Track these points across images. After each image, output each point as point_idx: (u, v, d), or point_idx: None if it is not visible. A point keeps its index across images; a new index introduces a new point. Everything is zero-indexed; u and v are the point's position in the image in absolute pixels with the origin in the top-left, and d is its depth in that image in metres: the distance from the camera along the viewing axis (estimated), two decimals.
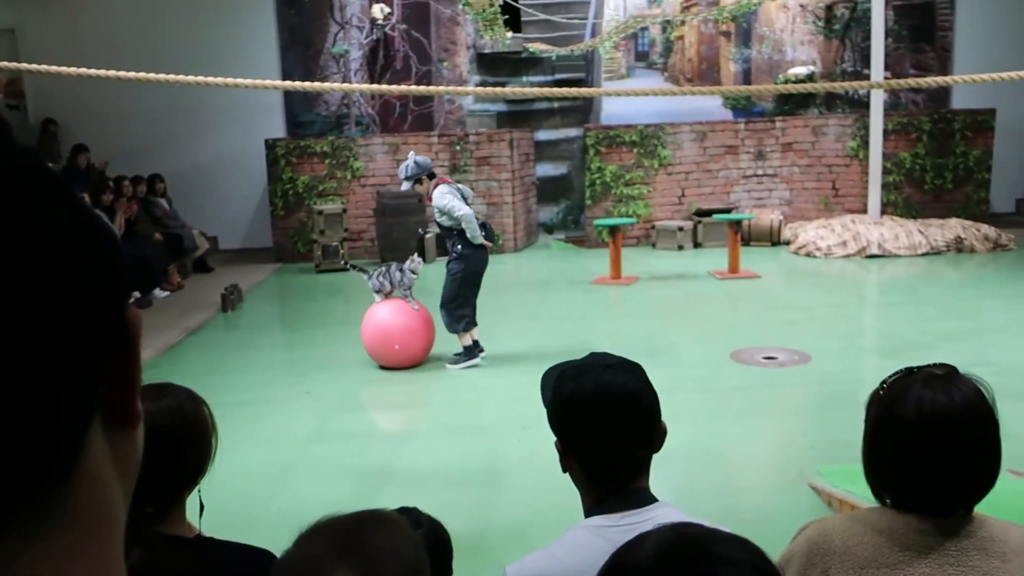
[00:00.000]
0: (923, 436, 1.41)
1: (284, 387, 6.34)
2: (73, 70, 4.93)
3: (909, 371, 1.50)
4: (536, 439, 4.20)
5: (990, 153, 11.82)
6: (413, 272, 6.44)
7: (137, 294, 8.84)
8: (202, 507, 1.75)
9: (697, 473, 4.44)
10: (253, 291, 9.80)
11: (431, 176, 6.41)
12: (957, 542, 1.39)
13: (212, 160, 12.30)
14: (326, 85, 4.13)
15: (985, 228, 10.75)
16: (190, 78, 4.84)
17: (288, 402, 5.89)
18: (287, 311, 9.53)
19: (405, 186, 6.50)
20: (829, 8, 12.56)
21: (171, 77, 4.88)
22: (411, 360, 6.44)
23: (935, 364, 1.50)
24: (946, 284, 9.20)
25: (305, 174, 11.68)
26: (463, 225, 6.25)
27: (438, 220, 6.46)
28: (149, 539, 1.47)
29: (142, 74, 4.84)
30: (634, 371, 1.58)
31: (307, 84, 4.51)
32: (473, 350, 6.57)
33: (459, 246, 6.36)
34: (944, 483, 1.41)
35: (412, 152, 6.61)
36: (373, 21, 12.33)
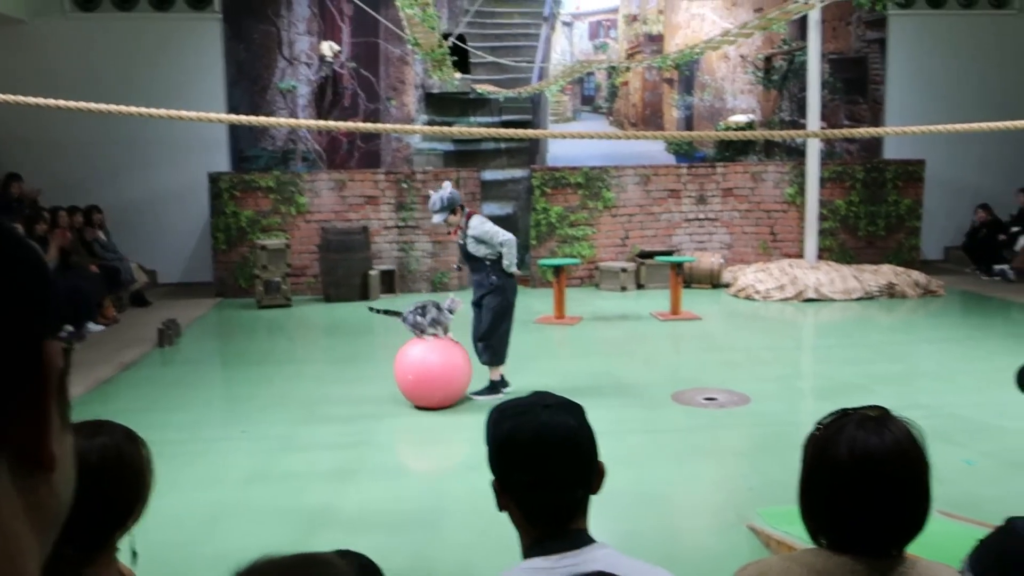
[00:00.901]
0: (855, 477, 1.44)
1: (221, 426, 6.20)
2: (10, 98, 4.82)
3: (844, 413, 1.53)
4: (479, 480, 4.16)
5: (920, 202, 12.25)
6: (451, 311, 6.35)
7: (69, 327, 8.59)
8: (135, 554, 1.69)
9: (637, 514, 4.45)
10: (192, 326, 9.60)
11: (462, 208, 6.47)
12: None
13: (153, 193, 12.10)
14: (272, 120, 4.11)
15: (916, 274, 11.09)
16: (132, 109, 4.77)
17: (224, 441, 5.76)
18: (227, 347, 9.35)
19: (438, 218, 6.48)
20: (768, 60, 12.97)
21: (112, 107, 4.80)
22: (451, 399, 6.33)
23: (869, 406, 1.53)
24: (879, 328, 9.45)
25: (249, 208, 11.55)
26: (504, 251, 6.31)
27: (472, 251, 6.43)
28: None
29: (82, 104, 4.76)
30: (573, 411, 1.58)
31: (253, 118, 4.49)
32: (498, 386, 6.57)
33: (493, 277, 6.39)
34: (876, 524, 1.43)
35: (447, 182, 6.67)
36: (322, 58, 12.34)
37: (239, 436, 5.83)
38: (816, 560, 1.46)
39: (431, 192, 6.61)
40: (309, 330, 9.98)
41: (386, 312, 6.77)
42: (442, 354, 6.22)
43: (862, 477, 1.43)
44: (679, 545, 4.19)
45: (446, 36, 9.76)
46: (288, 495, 4.79)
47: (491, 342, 6.48)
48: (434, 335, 6.28)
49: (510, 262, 6.36)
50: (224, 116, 4.39)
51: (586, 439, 1.56)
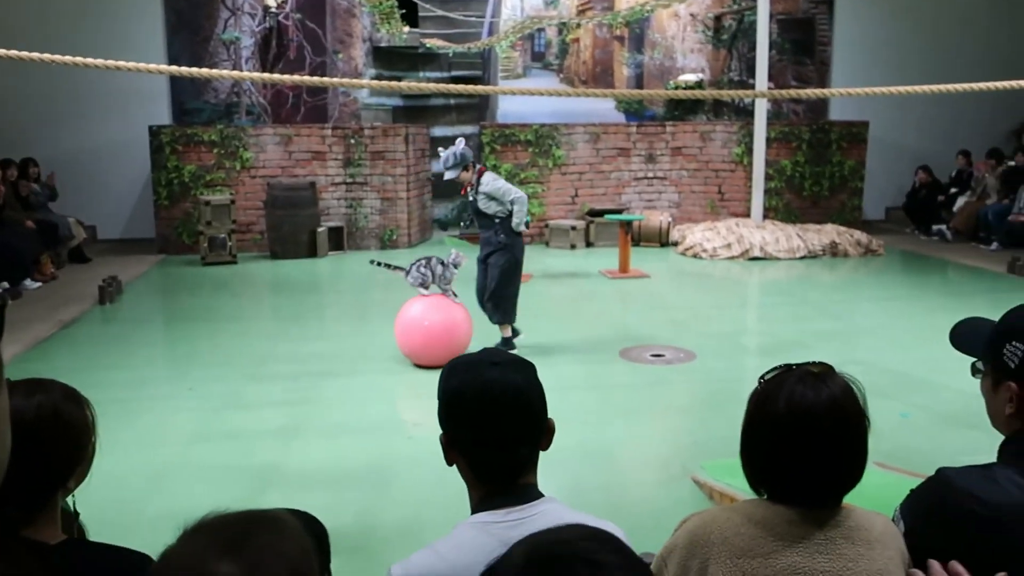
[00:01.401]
0: (791, 431, 1.47)
1: (165, 384, 6.11)
2: None
3: (788, 368, 1.56)
4: (427, 436, 4.17)
5: (863, 163, 12.47)
6: (456, 266, 6.27)
7: (4, 284, 8.35)
8: (76, 514, 1.66)
9: (585, 469, 4.51)
10: (134, 283, 9.40)
11: (473, 164, 6.43)
12: (826, 531, 1.46)
13: (91, 146, 11.74)
14: (215, 72, 3.97)
15: (858, 234, 11.33)
16: (66, 58, 4.59)
17: (169, 400, 5.68)
18: (170, 305, 9.18)
19: (450, 174, 6.40)
20: (718, 19, 12.98)
21: (46, 56, 4.61)
22: (451, 356, 6.19)
23: (813, 363, 1.56)
24: (822, 286, 9.65)
25: (192, 163, 11.28)
26: (515, 208, 6.27)
27: (482, 208, 6.37)
28: (8, 546, 1.38)
29: (13, 52, 4.56)
30: (522, 369, 1.58)
31: (194, 70, 4.35)
32: (510, 342, 6.55)
33: (502, 235, 6.34)
34: (813, 476, 1.47)
35: (461, 139, 6.61)
36: (266, 9, 12.01)
37: (184, 394, 5.75)
38: (756, 510, 1.50)
39: (441, 148, 6.56)
40: (255, 287, 9.84)
41: (387, 266, 6.71)
42: (443, 312, 6.13)
43: (798, 431, 1.46)
44: (626, 498, 4.27)
45: None
46: (234, 453, 4.76)
47: (500, 301, 6.45)
48: (441, 291, 6.22)
49: (520, 220, 6.33)
50: (164, 67, 4.26)
51: (534, 397, 1.57)
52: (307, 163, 11.47)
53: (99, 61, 4.25)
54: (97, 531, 1.88)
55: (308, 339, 7.26)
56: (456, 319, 6.18)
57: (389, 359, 6.56)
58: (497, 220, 6.35)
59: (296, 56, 12.18)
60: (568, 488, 4.24)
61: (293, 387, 5.94)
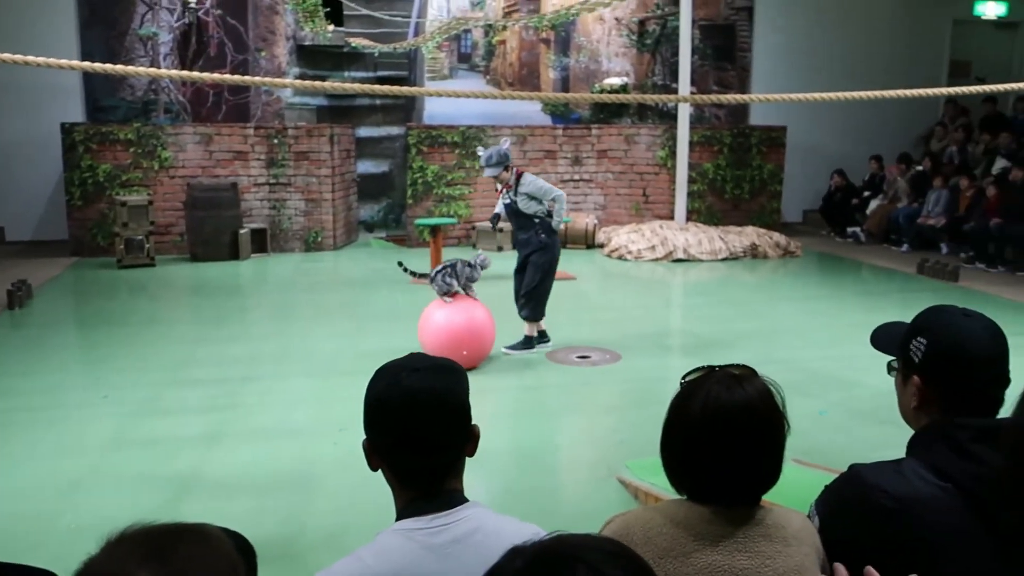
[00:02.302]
0: (706, 431, 1.50)
1: (79, 391, 5.89)
2: None
3: (710, 369, 1.58)
4: (353, 441, 4.12)
5: (782, 167, 12.81)
6: (483, 267, 6.26)
7: None
8: None
9: (513, 472, 4.52)
10: (45, 287, 9.05)
11: (512, 165, 6.46)
12: (746, 530, 1.48)
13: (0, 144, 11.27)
14: (131, 69, 3.83)
15: (777, 236, 11.64)
16: None
17: (83, 408, 5.48)
18: (84, 309, 8.86)
19: (490, 172, 6.43)
20: (642, 24, 13.18)
21: None
22: (477, 361, 6.22)
23: (735, 364, 1.59)
24: (743, 287, 9.87)
25: (107, 162, 10.91)
26: (556, 207, 6.37)
27: (522, 208, 6.41)
28: None
29: None
30: (445, 375, 1.57)
31: (109, 67, 4.20)
32: (532, 341, 6.64)
33: (542, 235, 6.43)
34: (731, 476, 1.50)
35: (506, 139, 6.72)
36: (185, 4, 11.71)
37: (99, 401, 5.56)
38: (678, 511, 1.52)
39: (480, 147, 6.61)
40: (175, 290, 9.58)
41: (413, 273, 6.74)
42: (467, 313, 6.10)
43: (714, 432, 1.49)
44: (553, 500, 4.29)
45: None
46: (153, 461, 4.62)
47: (535, 298, 6.52)
48: (457, 295, 6.18)
49: (560, 219, 6.47)
50: (77, 63, 4.10)
51: (457, 403, 1.55)
52: (229, 163, 11.23)
53: (7, 56, 4.08)
54: (10, 546, 1.80)
55: (230, 343, 7.10)
56: (479, 319, 6.15)
57: (314, 362, 6.47)
58: (537, 220, 6.44)
59: (217, 53, 11.91)
60: (497, 492, 4.25)
61: (214, 392, 5.80)
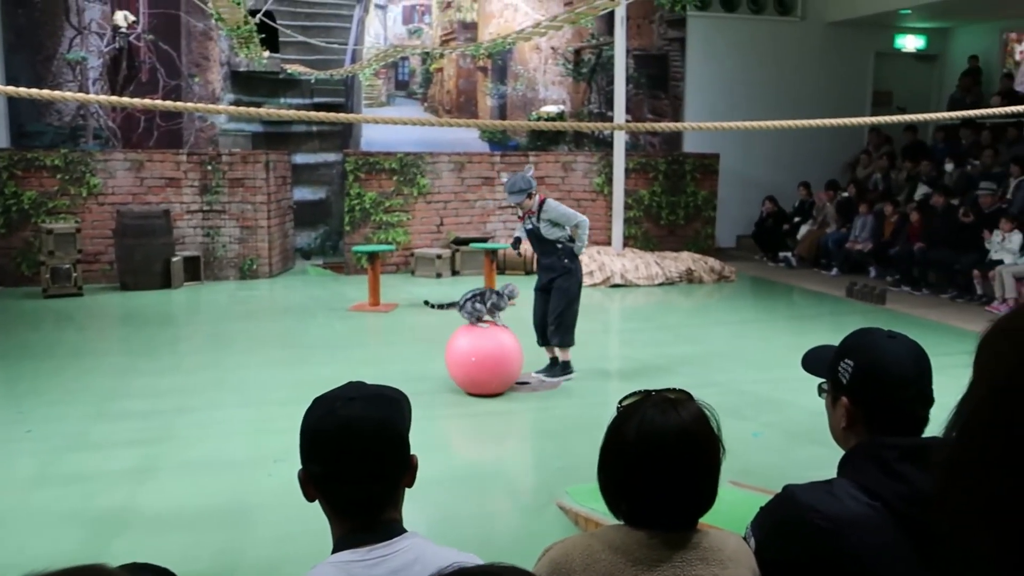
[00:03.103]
0: (641, 457, 1.51)
1: (0, 427, 5.66)
2: None
3: (647, 394, 1.60)
4: (289, 472, 4.04)
5: (715, 193, 13.09)
6: (511, 297, 6.34)
7: None
8: None
9: (454, 500, 4.49)
10: None
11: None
12: (683, 554, 1.50)
13: None
14: (58, 94, 3.73)
15: (712, 261, 11.86)
16: None
17: (5, 444, 5.26)
18: (7, 341, 8.54)
19: (515, 198, 6.51)
20: (577, 53, 13.38)
21: None
22: (507, 384, 6.25)
23: (671, 389, 1.60)
24: (679, 312, 10.01)
25: (32, 189, 10.61)
26: (579, 232, 6.47)
27: (545, 235, 6.48)
28: None
29: None
30: (382, 404, 1.55)
31: (35, 91, 4.10)
32: (569, 365, 6.65)
33: (565, 260, 6.48)
34: (666, 500, 1.51)
35: (530, 166, 6.73)
36: (116, 29, 11.50)
37: (22, 436, 5.35)
38: (616, 536, 1.52)
39: (504, 174, 6.57)
40: (104, 320, 9.31)
41: (440, 307, 6.72)
42: (494, 340, 6.12)
43: (648, 456, 1.50)
44: (493, 528, 4.26)
45: (253, 12, 9.36)
46: (79, 498, 4.46)
47: (565, 324, 6.52)
48: (490, 322, 6.21)
49: (583, 244, 6.55)
50: (1, 88, 3.98)
51: (392, 433, 1.53)
52: (160, 190, 11.01)
53: None
54: None
55: (162, 374, 6.92)
56: (506, 345, 6.17)
57: (249, 392, 6.34)
58: (559, 245, 6.49)
59: (149, 79, 11.71)
60: (437, 520, 4.21)
61: (145, 425, 5.64)
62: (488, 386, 6.18)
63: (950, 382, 1.35)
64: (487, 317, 6.26)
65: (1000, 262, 9.57)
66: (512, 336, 6.28)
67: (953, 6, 12.59)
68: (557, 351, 6.71)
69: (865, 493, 1.55)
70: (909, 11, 13.07)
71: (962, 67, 13.97)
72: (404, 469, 1.56)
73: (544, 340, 6.70)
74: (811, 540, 1.52)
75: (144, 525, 4.15)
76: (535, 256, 6.83)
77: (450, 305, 6.55)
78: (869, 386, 1.65)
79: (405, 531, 1.54)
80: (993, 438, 0.68)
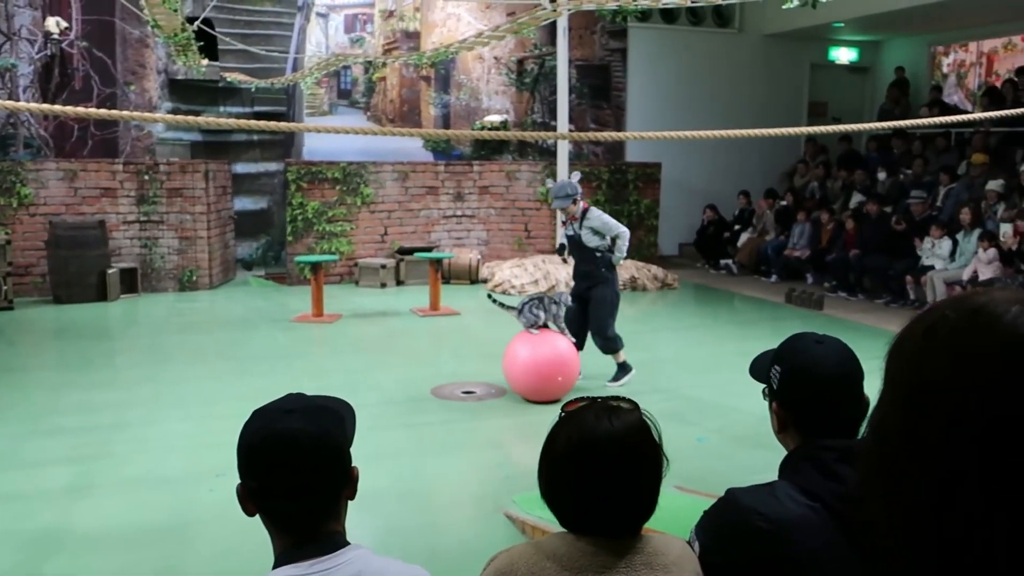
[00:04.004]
0: (570, 464, 1.51)
1: None
2: None
3: (592, 401, 1.60)
4: (230, 487, 3.96)
5: (658, 202, 13.25)
6: (566, 305, 6.42)
7: None
8: None
9: (399, 511, 4.45)
10: None
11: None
12: (627, 560, 1.50)
13: None
14: None
15: (655, 269, 11.99)
16: None
17: None
18: None
19: (561, 203, 6.56)
20: (520, 63, 13.45)
21: None
22: (567, 388, 6.26)
23: (619, 397, 1.61)
24: (624, 319, 10.04)
25: None
26: (619, 242, 6.53)
27: (585, 242, 6.53)
28: None
29: None
30: (321, 416, 1.52)
31: None
32: (627, 364, 6.69)
33: (603, 269, 6.55)
34: (603, 508, 1.51)
35: (577, 173, 6.74)
36: (47, 35, 11.21)
37: None
38: (559, 545, 1.52)
39: (549, 179, 6.55)
40: (36, 335, 9.04)
41: (502, 305, 6.66)
42: (553, 346, 6.20)
43: (576, 463, 1.50)
44: (440, 539, 4.23)
45: (191, 20, 9.21)
46: (11, 518, 4.30)
47: (608, 332, 6.59)
48: (542, 328, 6.28)
49: (622, 255, 6.58)
50: None
51: (331, 445, 1.51)
52: (95, 200, 10.74)
53: None
54: None
55: (98, 389, 6.74)
56: (564, 352, 6.25)
57: (189, 406, 6.21)
58: (598, 254, 6.53)
59: (83, 87, 11.43)
60: (382, 532, 4.17)
61: (80, 441, 5.48)
62: (554, 393, 6.24)
63: None
64: (543, 322, 6.31)
65: (931, 268, 9.87)
66: (568, 341, 6.38)
67: (883, 20, 12.96)
68: (611, 356, 6.79)
69: (805, 494, 1.58)
70: (842, 24, 13.43)
71: (892, 79, 14.40)
72: (344, 481, 1.53)
73: (582, 344, 6.76)
74: (753, 542, 1.54)
75: (80, 545, 4.03)
76: (574, 264, 6.92)
77: (510, 307, 6.60)
78: (796, 390, 1.70)
79: (348, 543, 1.51)
80: (900, 441, 0.69)
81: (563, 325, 6.41)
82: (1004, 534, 0.61)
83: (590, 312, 6.64)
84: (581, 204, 6.67)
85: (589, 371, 6.79)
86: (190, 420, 5.90)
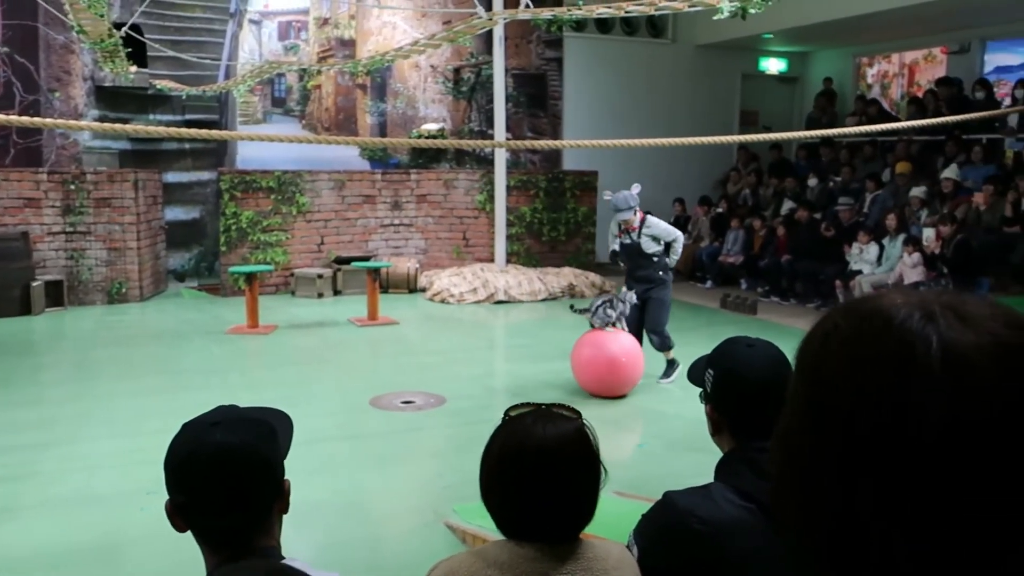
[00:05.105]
0: (504, 471, 1.51)
1: None
2: None
3: (537, 407, 1.60)
4: (162, 504, 3.86)
5: (595, 210, 13.36)
6: (632, 302, 6.71)
7: None
8: None
9: (338, 523, 4.38)
10: None
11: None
12: (567, 566, 1.50)
13: None
14: None
15: (592, 276, 12.10)
16: None
17: None
18: None
19: (626, 215, 6.75)
20: (457, 71, 13.45)
21: None
22: (632, 384, 6.61)
23: (562, 405, 1.61)
24: (562, 326, 10.13)
25: None
26: (675, 246, 6.93)
27: (644, 248, 6.82)
28: None
29: None
30: (245, 427, 1.49)
31: None
32: (676, 361, 6.95)
33: (660, 272, 6.89)
34: (539, 515, 1.50)
35: (637, 185, 6.87)
36: None
37: None
38: (501, 553, 1.51)
39: (608, 192, 6.92)
40: None
41: (581, 311, 6.93)
42: (622, 345, 6.51)
43: (507, 470, 1.51)
44: (378, 550, 4.18)
45: (118, 26, 8.97)
46: None
47: (663, 331, 6.91)
48: (614, 326, 6.57)
49: (677, 257, 7.00)
50: None
51: (257, 458, 1.47)
52: (18, 211, 10.39)
53: None
54: None
55: (21, 406, 6.50)
56: (630, 348, 6.56)
57: (119, 423, 6.03)
58: (655, 259, 6.86)
59: (4, 93, 11.06)
60: (321, 544, 4.10)
61: (4, 461, 5.27)
62: (621, 388, 6.55)
63: None
64: (615, 321, 6.58)
65: (859, 272, 10.15)
66: (632, 338, 6.65)
67: (811, 32, 13.32)
68: (663, 353, 7.06)
69: (740, 495, 1.60)
70: (771, 35, 13.76)
71: (819, 89, 14.80)
72: (274, 495, 1.50)
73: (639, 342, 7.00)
74: (690, 544, 1.56)
75: (5, 568, 3.87)
76: (628, 269, 7.14)
77: (583, 310, 6.85)
78: (728, 393, 1.73)
79: (283, 558, 1.48)
80: (800, 444, 0.70)
81: (624, 323, 6.72)
82: (901, 542, 0.62)
83: (650, 312, 6.94)
84: (639, 214, 6.89)
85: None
86: (120, 437, 5.73)
